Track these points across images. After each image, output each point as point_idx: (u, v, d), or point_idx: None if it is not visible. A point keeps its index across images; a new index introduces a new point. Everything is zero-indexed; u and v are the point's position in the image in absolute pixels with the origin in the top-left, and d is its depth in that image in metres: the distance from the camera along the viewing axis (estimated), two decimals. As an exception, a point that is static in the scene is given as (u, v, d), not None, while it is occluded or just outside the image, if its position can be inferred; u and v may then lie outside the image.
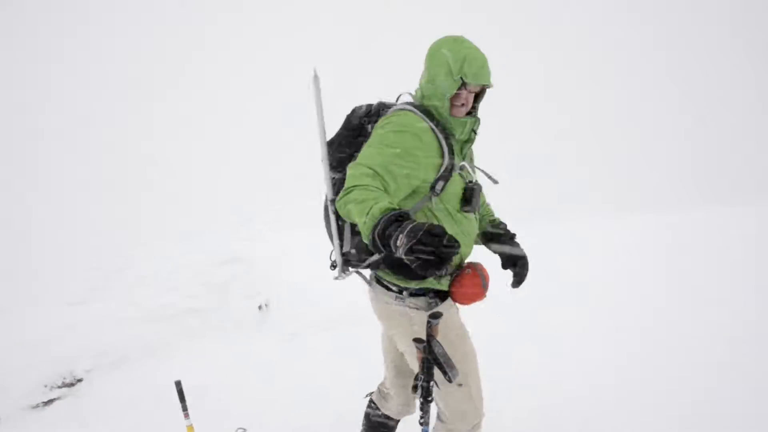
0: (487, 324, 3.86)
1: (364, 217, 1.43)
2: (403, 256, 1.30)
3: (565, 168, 9.56)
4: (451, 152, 1.78)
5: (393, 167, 1.65)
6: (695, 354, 3.53)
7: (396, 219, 1.37)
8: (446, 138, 1.78)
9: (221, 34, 9.62)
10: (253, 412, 3.09)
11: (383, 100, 1.97)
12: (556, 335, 3.97)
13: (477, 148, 2.02)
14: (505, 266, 2.06)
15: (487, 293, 1.90)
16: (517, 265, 2.00)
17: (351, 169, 1.64)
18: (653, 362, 3.46)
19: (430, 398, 1.82)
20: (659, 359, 3.49)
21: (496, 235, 2.08)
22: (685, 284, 4.93)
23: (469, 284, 1.87)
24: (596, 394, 3.11)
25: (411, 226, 1.30)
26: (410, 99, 1.93)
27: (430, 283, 1.88)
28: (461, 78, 1.73)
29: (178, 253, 4.77)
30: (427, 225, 1.29)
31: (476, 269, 1.88)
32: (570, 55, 12.93)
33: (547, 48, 12.99)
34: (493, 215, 2.20)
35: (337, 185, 1.90)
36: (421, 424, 1.87)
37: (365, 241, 1.44)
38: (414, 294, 1.90)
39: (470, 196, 1.83)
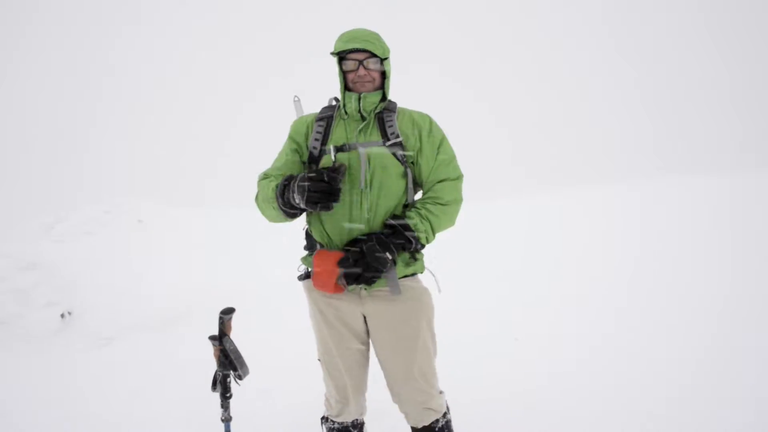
0: (480, 326, 3.77)
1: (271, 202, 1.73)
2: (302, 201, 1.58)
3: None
4: (326, 135, 1.82)
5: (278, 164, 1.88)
6: (677, 343, 3.43)
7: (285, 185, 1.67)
8: (328, 124, 1.84)
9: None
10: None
11: None
12: (536, 333, 3.81)
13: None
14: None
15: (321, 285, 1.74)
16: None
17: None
18: (635, 360, 3.26)
19: (228, 394, 1.89)
20: (643, 358, 3.29)
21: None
22: (665, 269, 4.89)
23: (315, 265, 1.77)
24: (575, 395, 2.88)
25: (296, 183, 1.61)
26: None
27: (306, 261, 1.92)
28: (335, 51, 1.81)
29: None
30: (299, 177, 1.62)
31: (320, 255, 1.75)
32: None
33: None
34: (417, 211, 1.79)
35: None
36: (222, 420, 1.90)
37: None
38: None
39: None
